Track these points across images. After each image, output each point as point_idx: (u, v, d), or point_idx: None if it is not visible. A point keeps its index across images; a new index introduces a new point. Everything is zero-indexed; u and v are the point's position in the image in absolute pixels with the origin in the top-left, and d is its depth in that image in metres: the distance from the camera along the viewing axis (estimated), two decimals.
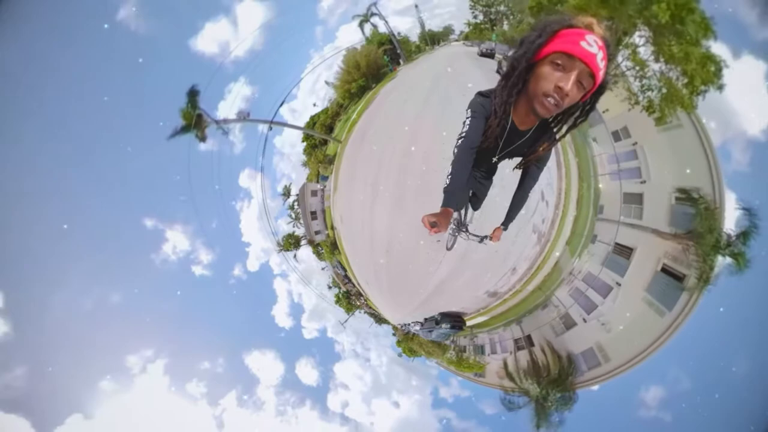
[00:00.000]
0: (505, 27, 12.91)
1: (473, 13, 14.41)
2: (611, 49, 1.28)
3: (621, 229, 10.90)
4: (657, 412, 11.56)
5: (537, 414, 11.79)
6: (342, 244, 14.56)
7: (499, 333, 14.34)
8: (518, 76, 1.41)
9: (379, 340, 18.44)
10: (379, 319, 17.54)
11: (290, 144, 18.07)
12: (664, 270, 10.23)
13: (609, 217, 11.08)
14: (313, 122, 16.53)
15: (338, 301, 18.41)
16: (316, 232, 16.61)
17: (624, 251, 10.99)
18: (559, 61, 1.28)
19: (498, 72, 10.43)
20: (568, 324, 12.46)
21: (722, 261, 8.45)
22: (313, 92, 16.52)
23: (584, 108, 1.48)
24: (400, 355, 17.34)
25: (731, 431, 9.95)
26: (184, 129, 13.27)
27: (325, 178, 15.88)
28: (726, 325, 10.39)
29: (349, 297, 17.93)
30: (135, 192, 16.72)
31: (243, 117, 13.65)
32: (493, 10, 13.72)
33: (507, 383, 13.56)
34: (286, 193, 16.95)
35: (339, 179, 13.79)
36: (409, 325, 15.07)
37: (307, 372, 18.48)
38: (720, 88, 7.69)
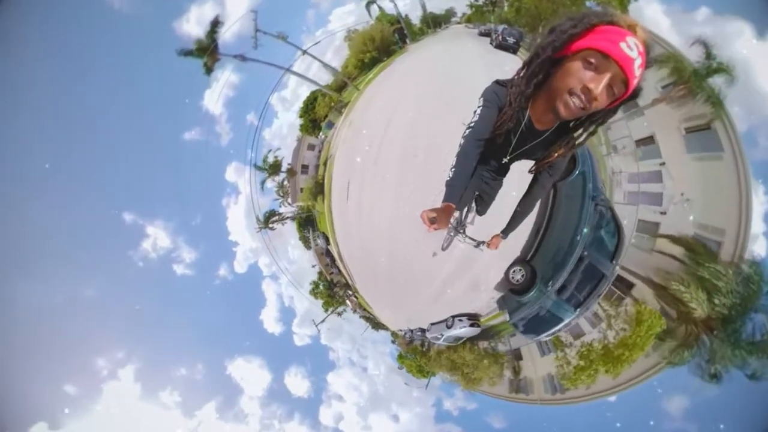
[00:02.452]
0: (506, 8, 13.75)
1: None
2: (651, 56, 1.15)
3: (631, 126, 12.16)
4: (681, 423, 10.28)
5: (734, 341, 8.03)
6: (330, 180, 12.72)
7: None
8: (541, 65, 1.29)
9: (377, 347, 16.10)
10: (375, 324, 14.18)
11: (280, 136, 16.96)
12: (689, 131, 10.90)
13: (615, 121, 12.66)
14: (309, 102, 16.06)
15: (315, 290, 14.93)
16: (301, 189, 14.90)
17: (646, 141, 11.80)
18: (592, 60, 1.15)
19: (491, 43, 12.14)
20: (651, 231, 10.90)
21: (715, 82, 9.84)
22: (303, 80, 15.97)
23: (607, 113, 1.32)
24: (400, 368, 14.16)
25: None
26: (197, 52, 12.59)
27: (330, 126, 15.00)
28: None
29: (332, 288, 14.56)
30: (115, 184, 15.62)
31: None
32: None
33: (666, 343, 9.17)
34: (276, 164, 15.28)
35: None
36: (418, 332, 11.18)
37: (297, 382, 16.63)
38: None
